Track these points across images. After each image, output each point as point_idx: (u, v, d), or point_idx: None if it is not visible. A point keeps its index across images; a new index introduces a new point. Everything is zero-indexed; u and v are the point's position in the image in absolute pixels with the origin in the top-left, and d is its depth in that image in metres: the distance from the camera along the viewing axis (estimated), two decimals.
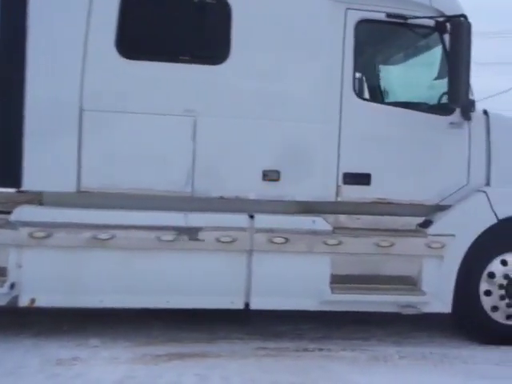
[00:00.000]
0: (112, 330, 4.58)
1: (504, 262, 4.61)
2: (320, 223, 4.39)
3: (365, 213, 4.62)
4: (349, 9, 4.44)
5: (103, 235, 4.15)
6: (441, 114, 4.57)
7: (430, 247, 4.46)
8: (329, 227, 4.40)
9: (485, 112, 4.75)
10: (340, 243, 4.40)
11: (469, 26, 4.22)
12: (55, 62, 4.08)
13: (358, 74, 4.51)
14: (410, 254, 4.49)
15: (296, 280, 4.37)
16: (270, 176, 4.33)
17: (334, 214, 4.60)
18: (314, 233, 4.36)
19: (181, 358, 4.05)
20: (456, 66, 4.17)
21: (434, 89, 4.53)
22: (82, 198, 4.21)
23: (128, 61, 4.17)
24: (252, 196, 4.35)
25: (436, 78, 4.65)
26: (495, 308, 4.61)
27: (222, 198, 4.33)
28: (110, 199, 4.24)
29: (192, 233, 4.24)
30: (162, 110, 4.21)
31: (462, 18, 4.23)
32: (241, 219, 4.30)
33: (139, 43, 4.25)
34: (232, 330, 4.72)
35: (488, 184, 4.70)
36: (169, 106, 4.22)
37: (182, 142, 4.24)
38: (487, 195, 4.55)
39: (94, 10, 4.11)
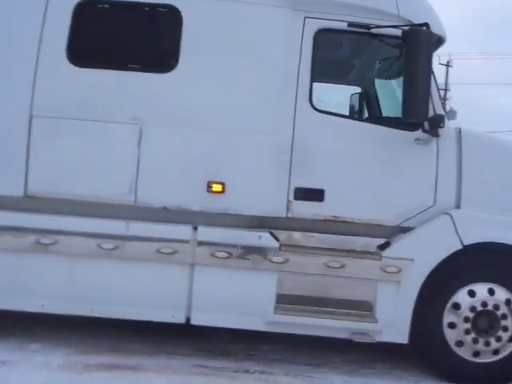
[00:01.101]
0: (62, 335, 4.57)
1: (471, 293, 4.20)
2: (266, 239, 4.20)
3: (320, 231, 4.36)
4: (307, 17, 4.26)
5: (46, 240, 4.17)
6: (405, 130, 4.26)
7: (384, 271, 4.14)
8: (275, 244, 4.20)
9: (457, 128, 4.39)
10: (286, 261, 4.18)
11: (428, 35, 3.92)
12: (7, 68, 4.18)
13: (316, 85, 4.29)
14: (363, 278, 4.19)
15: (239, 297, 4.19)
16: (215, 188, 4.19)
17: (287, 230, 4.38)
18: (260, 249, 4.18)
19: (109, 370, 3.98)
20: (411, 77, 3.89)
21: (399, 102, 4.23)
22: (30, 203, 4.26)
23: (78, 68, 4.21)
24: (195, 208, 4.23)
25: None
26: (460, 343, 4.20)
27: (165, 208, 4.24)
28: (56, 205, 4.26)
29: (133, 242, 4.18)
30: (109, 118, 4.20)
31: (422, 27, 3.94)
32: (183, 231, 4.19)
33: (89, 51, 4.28)
34: (179, 345, 4.60)
35: (458, 206, 4.33)
36: (116, 114, 4.21)
37: (126, 150, 4.21)
38: (452, 218, 4.18)
39: (48, 18, 4.18)
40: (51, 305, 4.24)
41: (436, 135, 4.26)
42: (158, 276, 4.20)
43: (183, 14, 4.21)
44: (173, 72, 4.21)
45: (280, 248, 4.20)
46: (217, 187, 4.19)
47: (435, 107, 4.28)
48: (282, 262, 4.17)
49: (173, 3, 4.21)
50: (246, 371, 4.18)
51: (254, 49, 4.23)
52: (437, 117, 4.25)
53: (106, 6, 4.21)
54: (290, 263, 4.18)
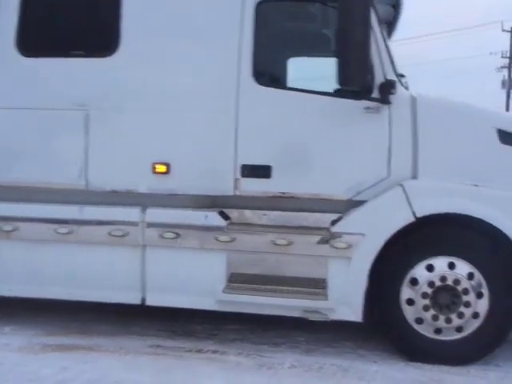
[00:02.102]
0: (33, 318, 4.77)
1: (430, 268, 3.96)
2: (212, 218, 4.16)
3: (271, 208, 4.26)
4: None
5: (7, 227, 4.36)
6: (354, 98, 4.06)
7: (333, 247, 3.99)
8: (222, 223, 4.15)
9: (412, 94, 4.12)
10: (233, 240, 4.13)
11: None
12: None
13: (259, 59, 4.15)
14: (312, 255, 4.06)
15: (190, 277, 4.20)
16: (159, 169, 4.20)
17: (239, 209, 4.31)
18: (206, 228, 4.15)
19: (64, 350, 4.10)
20: (344, 39, 3.67)
21: None
22: None
23: (25, 58, 4.32)
24: (142, 189, 4.26)
25: None
26: (420, 320, 3.99)
27: (114, 191, 4.30)
28: (16, 192, 4.42)
29: (86, 226, 4.28)
30: (56, 105, 4.30)
31: None
32: (132, 213, 4.23)
33: (36, 40, 4.37)
34: (146, 326, 4.68)
35: (415, 177, 4.08)
36: (63, 101, 4.29)
37: (75, 136, 4.29)
38: (404, 189, 3.95)
39: None
40: (18, 289, 4.44)
41: (387, 102, 4.02)
42: (112, 258, 4.28)
43: None
44: (115, 55, 4.23)
45: (227, 227, 4.14)
46: (161, 168, 4.19)
47: (385, 72, 4.04)
48: (229, 241, 4.12)
49: None
50: (199, 351, 4.18)
51: (194, 26, 4.17)
52: (387, 82, 4.01)
53: None
54: (237, 242, 4.12)
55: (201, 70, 4.17)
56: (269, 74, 4.25)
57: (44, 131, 4.33)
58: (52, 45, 4.36)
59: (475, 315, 3.92)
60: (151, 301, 4.29)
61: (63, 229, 4.29)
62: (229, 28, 4.13)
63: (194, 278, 4.18)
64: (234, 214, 4.31)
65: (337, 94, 4.04)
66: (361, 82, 3.74)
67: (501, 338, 4.00)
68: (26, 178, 4.36)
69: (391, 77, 4.04)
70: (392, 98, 4.03)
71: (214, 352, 4.16)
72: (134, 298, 4.29)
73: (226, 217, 4.26)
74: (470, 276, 3.92)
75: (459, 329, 3.95)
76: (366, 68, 3.73)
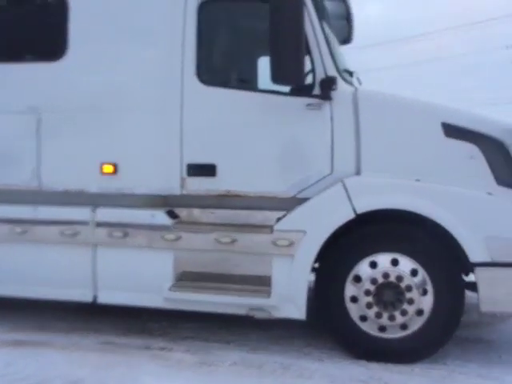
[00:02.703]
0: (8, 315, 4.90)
1: (373, 264, 3.93)
2: (159, 217, 4.21)
3: (218, 206, 4.29)
4: None
5: None
6: (294, 95, 4.05)
7: (276, 245, 3.99)
8: (168, 222, 4.20)
9: (353, 89, 4.09)
10: (179, 238, 4.17)
11: None
12: None
13: (202, 58, 4.19)
14: (255, 252, 4.07)
15: (139, 276, 4.26)
16: (106, 169, 4.27)
17: (187, 207, 4.36)
18: (153, 227, 4.21)
19: (17, 346, 4.20)
20: (277, 38, 3.68)
21: None
22: None
23: None
24: (93, 189, 4.35)
25: None
26: (364, 317, 3.96)
27: (66, 191, 4.39)
28: None
29: (39, 225, 4.38)
30: (9, 109, 4.42)
31: None
32: (82, 212, 4.32)
33: None
34: (105, 322, 4.77)
35: (359, 173, 4.05)
36: (15, 105, 4.41)
37: (27, 139, 4.40)
38: (345, 186, 3.92)
39: None
40: None
41: (328, 98, 4.01)
42: (65, 257, 4.37)
43: (70, 1, 4.30)
44: (63, 59, 4.33)
45: (173, 226, 4.19)
46: (108, 168, 4.27)
47: (326, 69, 4.02)
48: (175, 240, 4.17)
49: None
50: (147, 347, 4.22)
51: (139, 28, 4.24)
52: (327, 79, 4.00)
53: None
54: (183, 240, 4.16)
55: (146, 71, 4.23)
56: (212, 73, 4.27)
57: None
58: (3, 50, 4.48)
59: (419, 312, 3.86)
60: (103, 299, 4.36)
61: (18, 228, 4.40)
62: (172, 29, 4.18)
63: (142, 276, 4.24)
64: (183, 212, 4.36)
65: (278, 91, 4.03)
66: (295, 78, 3.74)
67: (447, 335, 3.94)
68: None
69: (332, 73, 4.02)
70: (333, 94, 4.01)
71: (162, 349, 4.20)
72: (85, 296, 4.37)
73: (174, 216, 4.31)
74: (414, 273, 3.86)
75: (403, 326, 3.90)
76: (300, 65, 3.72)
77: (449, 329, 3.93)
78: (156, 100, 4.22)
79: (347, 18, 5.00)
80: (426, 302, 3.86)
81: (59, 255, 4.38)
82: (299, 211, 3.98)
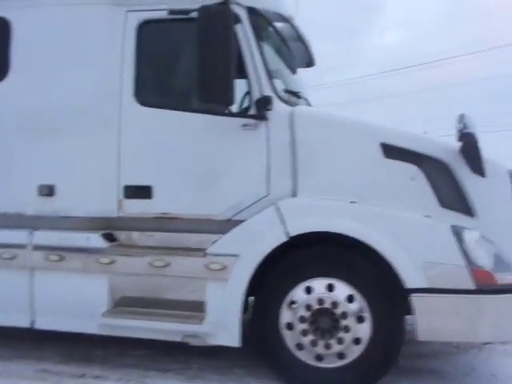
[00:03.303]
0: None
1: (308, 290, 3.77)
2: (94, 240, 4.12)
3: (155, 229, 4.20)
4: (129, 11, 4.17)
5: None
6: (232, 116, 3.98)
7: (208, 269, 3.86)
8: (103, 245, 4.11)
9: (290, 109, 4.00)
10: (113, 262, 4.07)
11: (221, 11, 3.64)
12: None
13: (140, 80, 4.16)
14: (189, 276, 3.95)
15: (75, 300, 4.14)
16: (44, 191, 4.22)
17: (126, 230, 4.27)
18: (88, 250, 4.12)
19: None
20: (202, 58, 3.62)
21: None
22: None
23: None
24: (30, 212, 4.28)
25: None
26: (300, 346, 3.78)
27: (5, 214, 4.34)
28: None
29: None
30: None
31: (217, 5, 3.66)
32: (20, 236, 4.25)
33: None
34: (50, 350, 4.62)
35: (295, 194, 3.93)
36: None
37: None
38: (278, 208, 3.80)
39: None
40: None
41: (263, 118, 3.93)
42: (3, 281, 4.28)
43: (13, 24, 4.33)
44: (4, 81, 4.32)
45: (108, 249, 4.09)
46: (45, 190, 4.21)
47: (262, 88, 3.95)
48: (109, 263, 4.07)
49: (4, 15, 4.34)
50: (82, 376, 4.10)
51: (78, 49, 4.22)
52: (263, 99, 3.92)
53: None
54: (118, 264, 4.07)
55: (84, 92, 4.20)
56: (150, 94, 4.22)
57: None
58: None
59: (356, 341, 3.68)
60: (40, 324, 4.26)
61: None
62: (111, 49, 4.16)
63: (78, 301, 4.13)
64: (122, 235, 4.27)
65: (214, 112, 3.96)
66: (222, 99, 3.66)
67: (387, 365, 3.74)
68: None
69: (268, 93, 3.94)
70: (269, 114, 3.93)
71: (96, 377, 4.08)
72: (23, 321, 4.26)
73: (112, 239, 4.22)
74: (350, 299, 3.70)
75: (341, 355, 3.72)
76: (227, 85, 3.64)
77: (389, 358, 3.74)
78: (94, 121, 4.18)
79: (300, 40, 4.95)
80: (364, 330, 3.67)
81: None
82: (232, 234, 3.86)
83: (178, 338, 3.98)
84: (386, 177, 3.88)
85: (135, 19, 4.16)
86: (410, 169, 3.86)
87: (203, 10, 3.62)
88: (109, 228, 4.26)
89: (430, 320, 3.56)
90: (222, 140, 4.01)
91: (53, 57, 4.27)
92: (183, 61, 4.28)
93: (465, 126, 3.61)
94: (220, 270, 3.83)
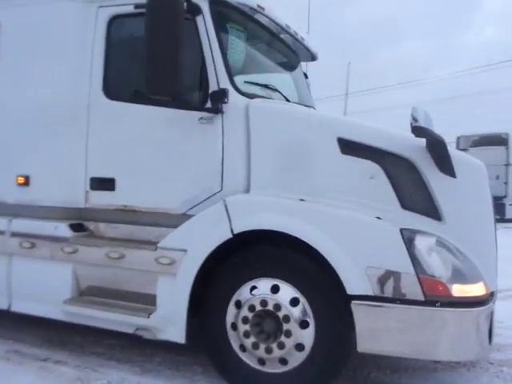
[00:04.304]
0: None
1: (253, 290, 3.63)
2: (61, 230, 4.24)
3: (118, 221, 4.24)
4: (101, 7, 4.25)
5: None
6: (190, 109, 3.92)
7: (158, 263, 3.83)
8: (68, 234, 4.22)
9: (247, 102, 3.86)
10: (75, 251, 4.17)
11: (168, 3, 3.58)
12: None
13: (109, 74, 4.20)
14: (141, 269, 3.94)
15: (45, 287, 4.30)
16: (19, 180, 4.40)
17: (94, 221, 4.35)
18: (55, 239, 4.25)
19: None
20: (150, 50, 3.58)
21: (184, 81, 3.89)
22: None
23: None
24: (10, 201, 4.49)
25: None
26: (243, 347, 3.65)
27: None
28: None
29: None
30: None
31: None
32: (0, 223, 4.47)
33: None
34: (33, 334, 4.83)
35: (248, 191, 3.80)
36: None
37: None
38: (226, 204, 3.68)
39: None
40: None
41: (218, 111, 3.83)
42: None
43: (1, 23, 4.56)
44: None
45: (72, 238, 4.20)
46: (21, 180, 4.40)
47: (219, 81, 3.85)
48: (72, 252, 4.17)
49: None
50: (45, 359, 4.23)
51: (53, 46, 4.35)
52: (218, 91, 3.83)
53: None
54: (79, 254, 4.16)
55: (57, 86, 4.32)
56: (118, 88, 4.24)
57: None
58: None
59: (299, 347, 3.48)
60: (15, 307, 4.46)
61: None
62: (82, 44, 4.26)
63: (47, 287, 4.28)
64: (91, 226, 4.36)
65: (173, 105, 3.91)
66: (168, 90, 3.60)
67: (331, 375, 3.50)
68: None
69: (224, 85, 3.83)
70: (225, 107, 3.82)
71: (56, 362, 4.20)
72: (1, 304, 4.48)
73: (82, 229, 4.32)
74: (294, 302, 3.50)
75: (283, 361, 3.54)
76: (173, 77, 3.57)
77: (334, 368, 3.49)
78: (65, 115, 4.30)
79: (284, 33, 4.78)
80: (307, 336, 3.46)
81: None
82: (181, 229, 3.80)
83: (130, 330, 3.99)
84: (342, 174, 3.64)
85: (105, 14, 4.22)
86: (369, 166, 3.58)
87: (151, 1, 3.58)
88: (80, 218, 4.37)
89: (370, 331, 3.28)
90: (180, 133, 3.96)
91: (31, 53, 4.44)
92: None
93: (415, 119, 3.28)
94: (169, 264, 3.78)
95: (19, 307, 4.45)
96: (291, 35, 4.80)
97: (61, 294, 4.19)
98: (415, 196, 3.55)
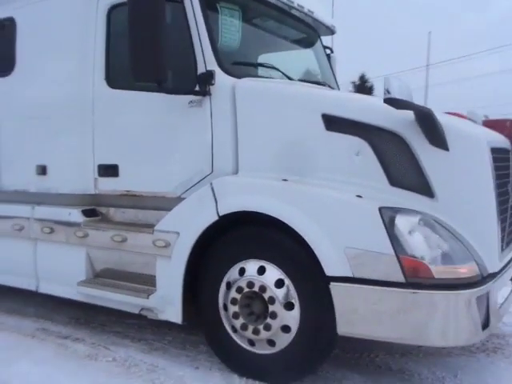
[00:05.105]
0: None
1: (242, 271, 3.64)
2: (74, 215, 4.47)
3: (126, 206, 4.40)
4: None
5: None
6: (180, 93, 3.95)
7: (155, 245, 3.94)
8: (79, 219, 4.44)
9: (233, 82, 3.82)
10: (86, 236, 4.38)
11: None
12: None
13: (111, 62, 4.31)
14: (141, 252, 4.08)
15: (63, 269, 4.57)
16: (39, 170, 4.69)
17: (105, 207, 4.55)
18: (69, 224, 4.49)
19: None
20: (133, 34, 3.63)
21: (174, 67, 3.92)
22: None
23: None
24: (32, 189, 4.80)
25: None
26: (234, 328, 3.69)
27: (16, 191, 4.93)
28: None
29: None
30: None
31: None
32: (26, 210, 4.80)
33: None
34: (65, 313, 5.17)
35: (236, 172, 3.79)
36: None
37: None
38: (212, 186, 3.70)
39: None
40: None
41: (206, 94, 3.83)
42: (16, 249, 4.90)
43: (17, 22, 4.84)
44: (12, 74, 4.88)
45: (83, 223, 4.41)
46: (39, 169, 4.68)
47: (206, 63, 3.85)
48: (84, 237, 4.39)
49: (12, 15, 4.87)
50: (67, 337, 4.51)
51: (60, 37, 4.53)
52: (205, 73, 3.82)
53: None
54: (89, 238, 4.37)
55: (66, 79, 4.52)
56: (119, 76, 4.35)
57: None
58: None
59: (285, 329, 3.45)
60: (42, 289, 4.79)
61: None
62: (86, 34, 4.40)
63: (65, 270, 4.55)
64: (104, 211, 4.56)
65: (164, 90, 3.95)
66: (152, 76, 3.64)
67: (319, 356, 3.45)
68: None
69: (212, 67, 3.82)
70: (213, 88, 3.82)
71: (75, 340, 4.46)
72: (30, 285, 4.84)
73: (94, 214, 4.54)
74: (279, 284, 3.46)
75: (271, 342, 3.53)
76: (157, 62, 3.61)
77: (321, 350, 3.43)
78: (75, 105, 4.49)
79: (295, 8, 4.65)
80: (292, 318, 3.42)
81: (12, 247, 4.92)
82: (173, 212, 3.88)
83: (136, 311, 4.14)
84: (328, 152, 3.51)
85: (105, 4, 4.33)
86: (355, 142, 3.43)
87: None
88: (93, 204, 4.59)
89: (350, 314, 3.17)
90: (172, 118, 4.01)
91: (43, 48, 4.67)
92: None
93: (387, 91, 3.07)
94: (164, 247, 3.88)
95: (45, 289, 4.77)
96: (296, 9, 4.66)
97: (76, 276, 4.43)
98: (404, 172, 3.35)
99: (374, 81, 41.56)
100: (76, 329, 4.75)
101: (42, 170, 4.69)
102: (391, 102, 3.11)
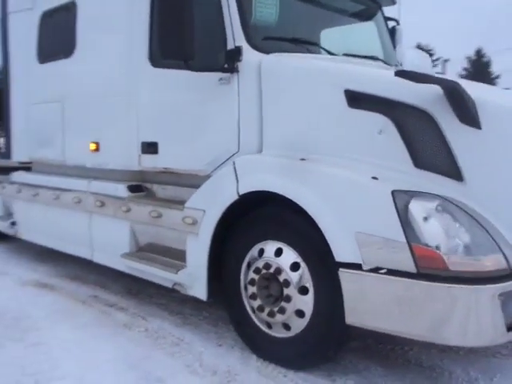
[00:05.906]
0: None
1: (261, 252, 3.58)
2: (120, 190, 4.67)
3: (166, 183, 4.52)
4: None
5: (31, 191, 5.84)
6: (210, 70, 3.93)
7: (184, 222, 4.00)
8: (125, 194, 4.63)
9: (261, 58, 3.70)
10: (129, 210, 4.57)
11: None
12: None
13: (154, 42, 4.35)
14: (173, 228, 4.16)
15: (111, 241, 4.81)
16: (91, 147, 4.95)
17: (149, 183, 4.71)
18: (116, 199, 4.71)
19: (41, 288, 5.30)
20: (162, 10, 3.70)
21: (205, 45, 3.90)
22: None
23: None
24: (88, 165, 5.08)
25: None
26: (252, 309, 3.66)
27: (76, 166, 5.26)
28: (44, 167, 5.87)
29: (63, 193, 5.39)
30: (44, 99, 5.51)
31: None
32: (83, 184, 5.11)
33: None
34: (122, 283, 5.45)
35: (260, 151, 3.70)
36: (49, 96, 5.47)
37: (57, 123, 5.41)
38: (234, 165, 3.65)
39: None
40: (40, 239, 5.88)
41: (233, 71, 3.77)
42: (76, 220, 5.25)
43: (78, 5, 5.10)
44: (72, 56, 5.17)
45: (127, 198, 4.60)
46: (92, 146, 4.94)
47: (235, 38, 3.78)
48: (127, 211, 4.58)
49: None
50: (112, 305, 4.76)
51: (111, 19, 4.72)
52: (233, 50, 3.76)
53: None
54: (132, 212, 4.54)
55: (116, 59, 4.69)
56: (159, 55, 4.41)
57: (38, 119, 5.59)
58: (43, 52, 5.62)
59: (300, 313, 3.35)
60: (95, 258, 5.09)
61: (52, 195, 5.49)
62: (132, 16, 4.52)
63: (113, 241, 4.77)
64: (148, 187, 4.73)
65: (195, 67, 3.92)
66: (179, 53, 3.66)
67: (334, 343, 3.31)
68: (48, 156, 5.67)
69: (240, 43, 3.75)
70: (240, 65, 3.75)
71: (119, 309, 4.68)
72: (87, 255, 5.17)
73: (140, 190, 4.71)
74: (295, 267, 3.36)
75: (286, 326, 3.45)
76: (184, 39, 3.60)
77: (336, 337, 3.29)
78: (122, 85, 4.64)
79: None
80: (306, 303, 3.30)
81: (73, 218, 5.27)
82: (201, 190, 3.89)
83: (169, 285, 4.25)
84: (349, 130, 3.31)
85: None
86: (378, 120, 3.19)
87: None
88: (140, 180, 4.76)
89: (358, 303, 2.99)
90: (204, 95, 3.99)
91: (99, 29, 4.88)
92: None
93: (400, 63, 2.78)
94: (192, 224, 3.92)
95: (98, 258, 5.06)
96: None
97: (122, 249, 4.64)
98: (431, 153, 3.06)
99: (492, 55, 38.41)
100: (124, 298, 4.99)
101: (96, 147, 4.93)
102: (402, 74, 2.83)
